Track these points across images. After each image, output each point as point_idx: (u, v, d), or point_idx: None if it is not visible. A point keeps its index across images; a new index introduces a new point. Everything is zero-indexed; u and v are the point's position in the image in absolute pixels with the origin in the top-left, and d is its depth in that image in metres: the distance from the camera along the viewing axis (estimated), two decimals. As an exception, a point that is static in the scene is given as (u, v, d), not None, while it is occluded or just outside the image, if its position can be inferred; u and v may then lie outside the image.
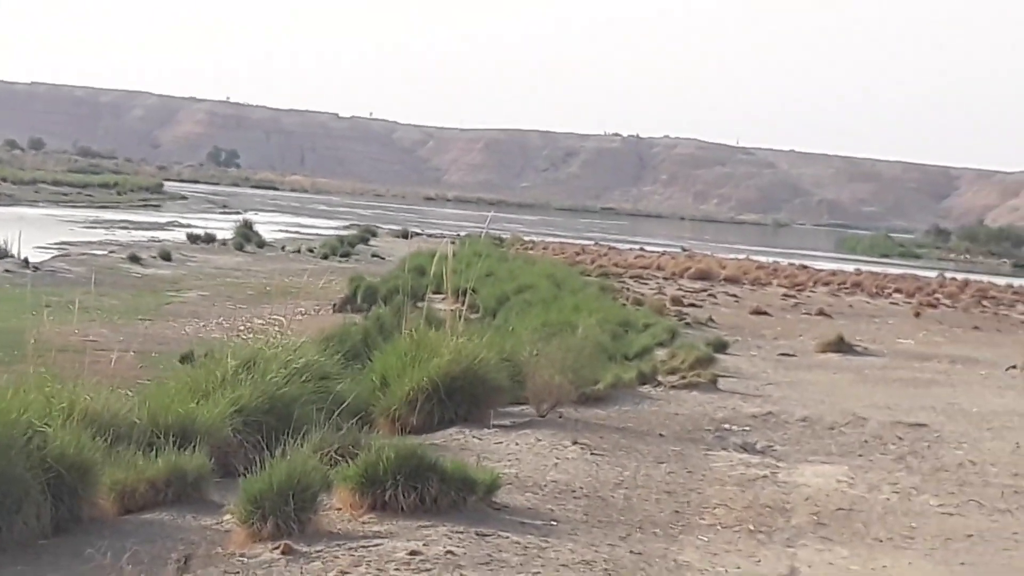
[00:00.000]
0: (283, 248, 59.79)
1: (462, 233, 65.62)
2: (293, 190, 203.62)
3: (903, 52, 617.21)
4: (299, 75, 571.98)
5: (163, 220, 78.75)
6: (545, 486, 11.07)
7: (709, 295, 41.36)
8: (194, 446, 10.13)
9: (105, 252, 49.05)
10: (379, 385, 13.85)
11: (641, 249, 78.16)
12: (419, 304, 20.26)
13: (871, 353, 25.96)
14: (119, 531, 9.06)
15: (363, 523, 9.17)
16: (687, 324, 29.01)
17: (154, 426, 10.52)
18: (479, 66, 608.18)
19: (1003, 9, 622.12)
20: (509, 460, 11.96)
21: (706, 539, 9.93)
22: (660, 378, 18.73)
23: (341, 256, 56.84)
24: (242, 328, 27.71)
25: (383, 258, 57.05)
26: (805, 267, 67.41)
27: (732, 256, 74.38)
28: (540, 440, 13.12)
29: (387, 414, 13.51)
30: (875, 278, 58.98)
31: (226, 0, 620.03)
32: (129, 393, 11.50)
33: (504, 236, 74.58)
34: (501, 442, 12.90)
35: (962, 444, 14.95)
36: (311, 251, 58.71)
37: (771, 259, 73.09)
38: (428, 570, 8.10)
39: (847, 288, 52.02)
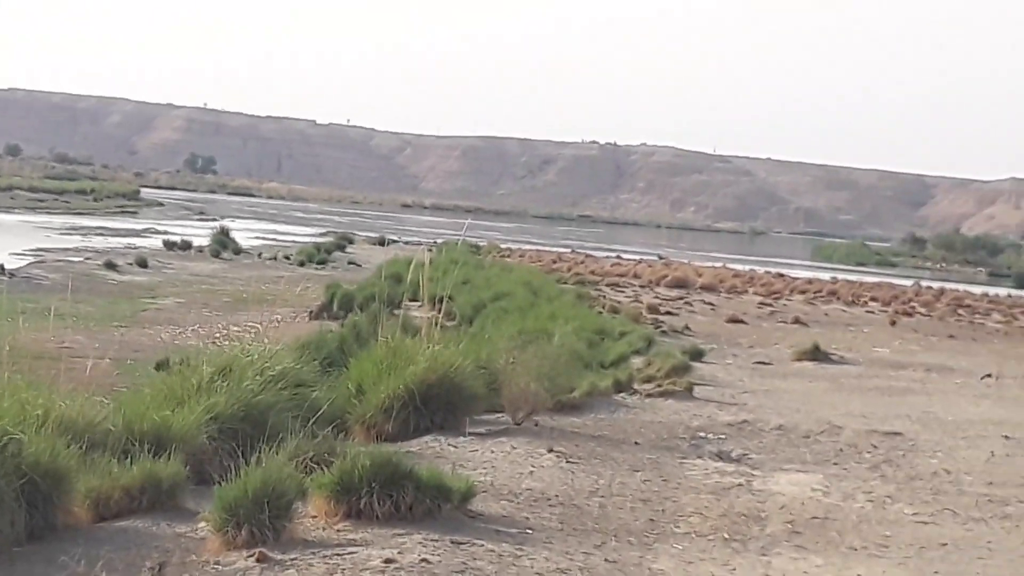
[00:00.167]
0: (260, 255, 59.65)
1: (439, 240, 65.64)
2: (270, 197, 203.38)
3: (880, 61, 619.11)
4: (276, 82, 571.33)
5: (140, 227, 78.49)
6: (520, 494, 11.07)
7: (685, 303, 41.39)
8: (169, 453, 10.10)
9: (81, 259, 48.87)
10: (355, 393, 13.83)
11: (618, 257, 78.17)
12: (395, 311, 20.29)
13: (847, 362, 26.02)
14: (93, 538, 9.03)
15: (338, 531, 9.17)
16: (663, 332, 29.03)
17: (129, 433, 10.49)
18: (457, 73, 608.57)
19: (980, 20, 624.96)
20: (484, 468, 11.97)
21: (681, 547, 9.94)
22: (636, 386, 18.75)
23: (318, 263, 56.75)
24: (218, 335, 27.63)
25: (360, 265, 56.96)
26: (781, 275, 67.43)
27: (709, 264, 74.52)
28: (515, 448, 13.13)
29: (363, 422, 13.51)
30: (851, 286, 59.04)
31: (205, 7, 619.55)
32: (104, 400, 11.46)
33: (481, 243, 74.49)
34: (476, 450, 12.91)
35: (937, 453, 15.00)
36: (288, 258, 58.62)
37: (747, 267, 73.08)
38: (403, 578, 8.11)
39: (823, 296, 52.09)
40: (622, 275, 56.04)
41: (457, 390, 13.93)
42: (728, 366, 23.75)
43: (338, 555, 8.51)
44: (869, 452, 14.85)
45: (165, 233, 66.83)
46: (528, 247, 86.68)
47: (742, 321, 35.47)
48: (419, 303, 18.85)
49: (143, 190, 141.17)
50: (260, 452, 9.55)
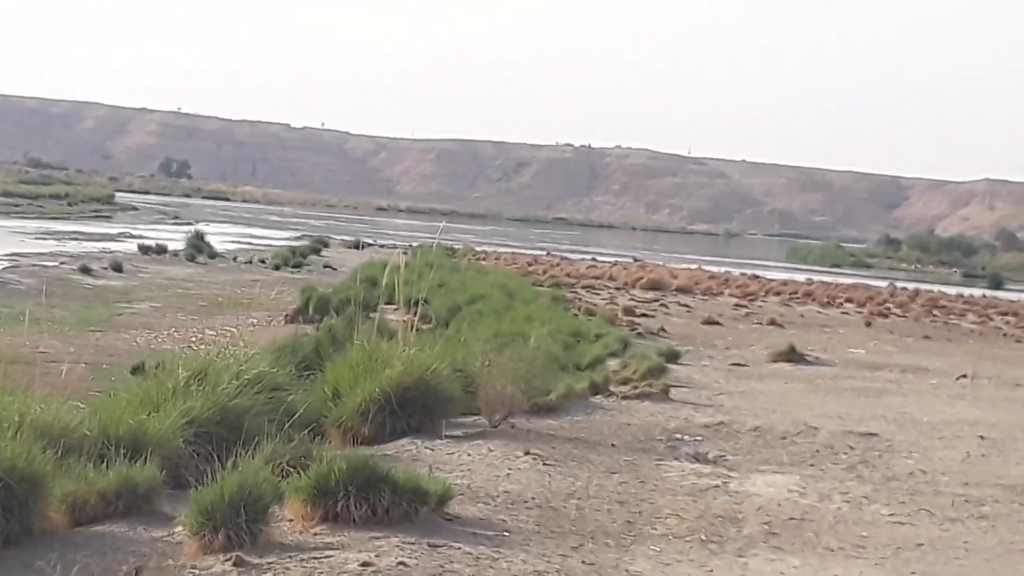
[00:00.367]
0: (235, 259, 59.57)
1: (414, 243, 65.56)
2: (245, 201, 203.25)
3: (854, 62, 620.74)
4: (251, 85, 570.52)
5: (114, 231, 78.31)
6: (497, 497, 11.07)
7: (661, 305, 41.45)
8: (145, 458, 10.06)
9: (56, 263, 48.73)
10: (331, 396, 13.81)
11: (593, 259, 78.28)
12: (371, 315, 20.27)
13: (822, 363, 26.08)
14: (69, 543, 9.00)
15: (315, 534, 9.16)
16: (639, 334, 29.05)
17: (105, 438, 10.46)
18: (431, 76, 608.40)
19: (954, 22, 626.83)
20: (461, 471, 11.96)
21: (658, 549, 9.94)
22: (612, 388, 18.75)
23: (293, 267, 56.70)
24: (194, 339, 27.57)
25: (335, 269, 56.92)
26: (756, 277, 67.63)
27: (684, 266, 74.62)
28: (492, 451, 13.12)
29: (339, 425, 13.48)
30: (826, 288, 59.24)
31: (178, 11, 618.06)
32: (80, 405, 11.44)
33: (456, 246, 74.49)
34: (453, 453, 12.89)
35: (913, 453, 15.04)
36: (263, 262, 58.53)
37: (723, 269, 73.27)
38: (380, 581, 8.10)
39: (798, 298, 52.25)
40: (597, 277, 56.12)
41: (433, 393, 13.92)
42: (704, 368, 23.78)
43: (315, 559, 8.50)
44: (845, 453, 14.88)
45: (140, 237, 66.57)
46: (503, 250, 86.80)
47: (718, 323, 35.54)
48: (395, 306, 18.81)
49: (117, 194, 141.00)
50: (236, 456, 9.54)
